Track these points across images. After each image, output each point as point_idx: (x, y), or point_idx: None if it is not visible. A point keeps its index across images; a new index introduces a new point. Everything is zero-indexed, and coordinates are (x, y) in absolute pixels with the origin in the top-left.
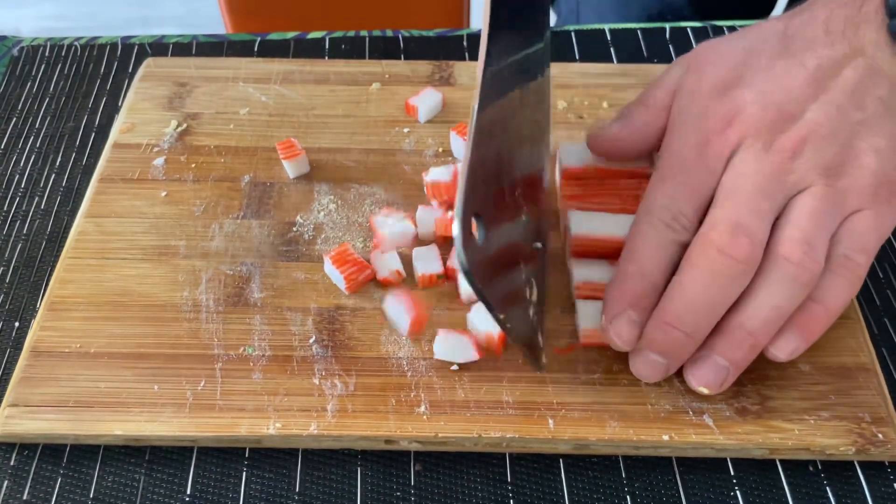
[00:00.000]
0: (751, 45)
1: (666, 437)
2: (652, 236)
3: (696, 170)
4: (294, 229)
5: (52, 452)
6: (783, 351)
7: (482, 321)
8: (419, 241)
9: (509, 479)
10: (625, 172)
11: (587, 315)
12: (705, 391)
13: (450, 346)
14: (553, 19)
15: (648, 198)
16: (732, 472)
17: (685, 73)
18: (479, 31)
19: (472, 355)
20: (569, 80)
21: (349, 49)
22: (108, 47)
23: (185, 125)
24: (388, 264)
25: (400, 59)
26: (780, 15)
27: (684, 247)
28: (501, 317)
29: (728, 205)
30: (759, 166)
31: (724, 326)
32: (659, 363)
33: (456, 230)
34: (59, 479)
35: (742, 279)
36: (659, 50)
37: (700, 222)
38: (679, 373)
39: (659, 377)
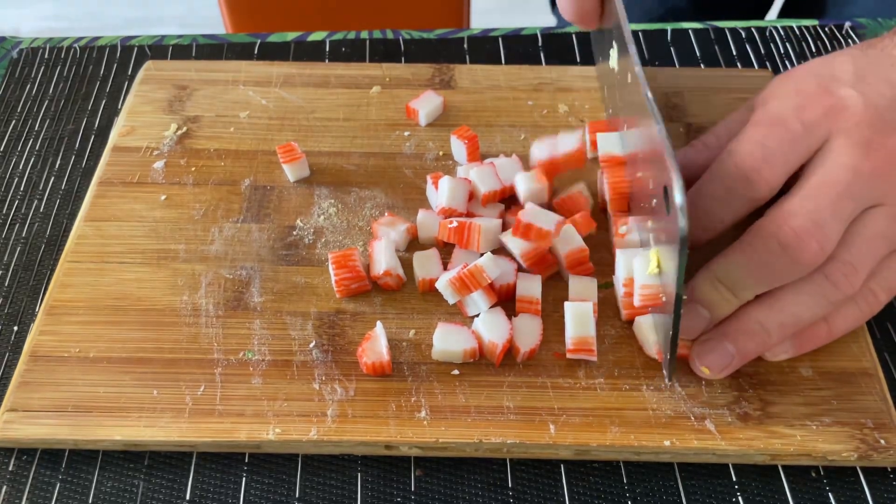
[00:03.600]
0: (834, 59)
1: (667, 443)
2: (722, 190)
3: (794, 128)
4: (294, 233)
5: (50, 457)
6: (775, 355)
7: (487, 330)
8: (420, 244)
9: (510, 485)
10: None
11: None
12: (706, 373)
13: (450, 337)
14: (554, 21)
15: (736, 141)
16: (734, 478)
17: (764, 89)
18: (480, 32)
19: (471, 342)
20: (570, 83)
21: (350, 52)
22: (108, 49)
23: (184, 128)
24: (386, 260)
25: (400, 61)
26: (849, 48)
27: (756, 203)
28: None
29: (814, 195)
30: (856, 161)
31: (743, 316)
32: (703, 316)
33: (679, 199)
34: (58, 485)
35: (793, 277)
36: (660, 52)
37: (781, 184)
38: (679, 376)
39: (698, 332)
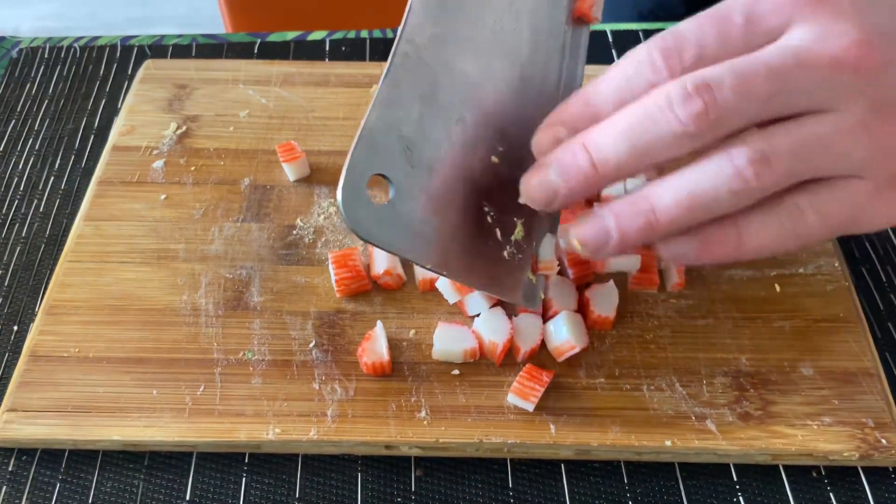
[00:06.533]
0: None
1: (668, 443)
2: (631, 64)
3: (734, 22)
4: (294, 233)
5: (50, 458)
6: (669, 250)
7: (488, 330)
8: None
9: (510, 485)
10: None
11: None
12: (578, 249)
13: (450, 337)
14: None
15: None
16: (735, 478)
17: None
18: None
19: (471, 342)
20: None
21: (349, 51)
22: (108, 49)
23: (184, 127)
24: (386, 259)
25: None
26: None
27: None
28: (428, 266)
29: (727, 64)
30: (812, 46)
31: (632, 192)
32: (550, 184)
33: (339, 196)
34: (58, 485)
35: (676, 143)
36: None
37: None
38: (679, 375)
39: (541, 201)
